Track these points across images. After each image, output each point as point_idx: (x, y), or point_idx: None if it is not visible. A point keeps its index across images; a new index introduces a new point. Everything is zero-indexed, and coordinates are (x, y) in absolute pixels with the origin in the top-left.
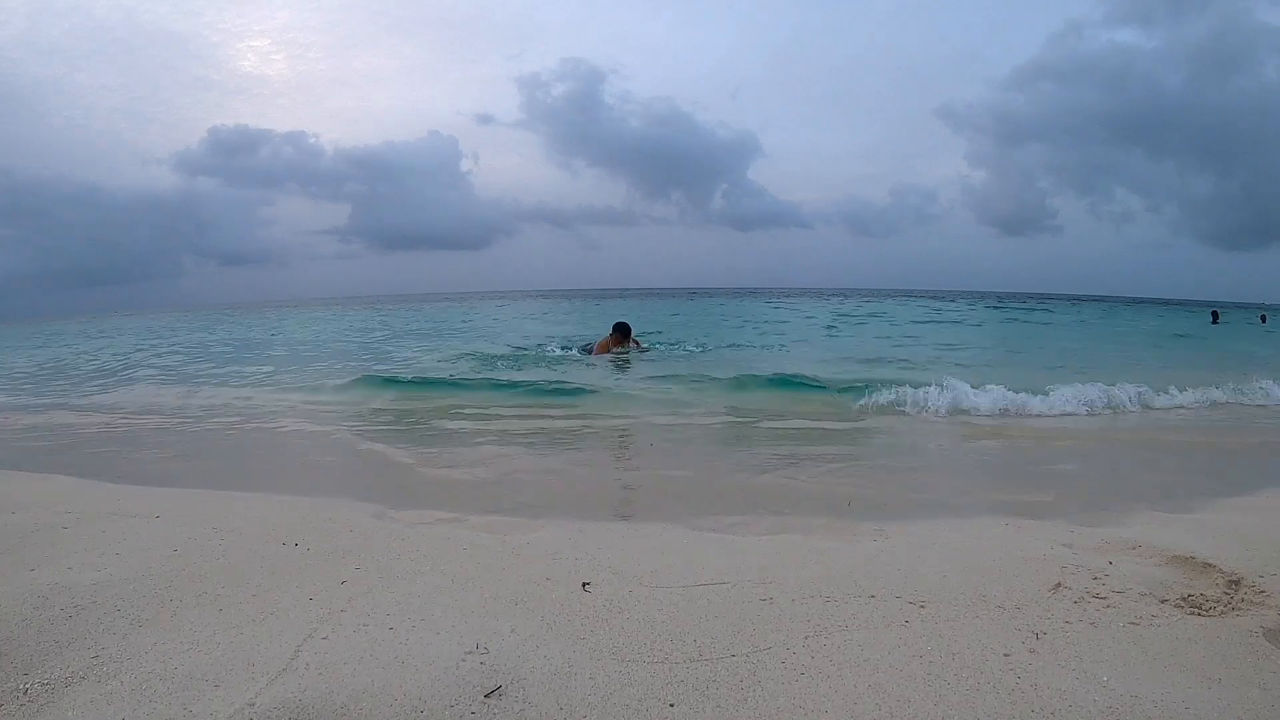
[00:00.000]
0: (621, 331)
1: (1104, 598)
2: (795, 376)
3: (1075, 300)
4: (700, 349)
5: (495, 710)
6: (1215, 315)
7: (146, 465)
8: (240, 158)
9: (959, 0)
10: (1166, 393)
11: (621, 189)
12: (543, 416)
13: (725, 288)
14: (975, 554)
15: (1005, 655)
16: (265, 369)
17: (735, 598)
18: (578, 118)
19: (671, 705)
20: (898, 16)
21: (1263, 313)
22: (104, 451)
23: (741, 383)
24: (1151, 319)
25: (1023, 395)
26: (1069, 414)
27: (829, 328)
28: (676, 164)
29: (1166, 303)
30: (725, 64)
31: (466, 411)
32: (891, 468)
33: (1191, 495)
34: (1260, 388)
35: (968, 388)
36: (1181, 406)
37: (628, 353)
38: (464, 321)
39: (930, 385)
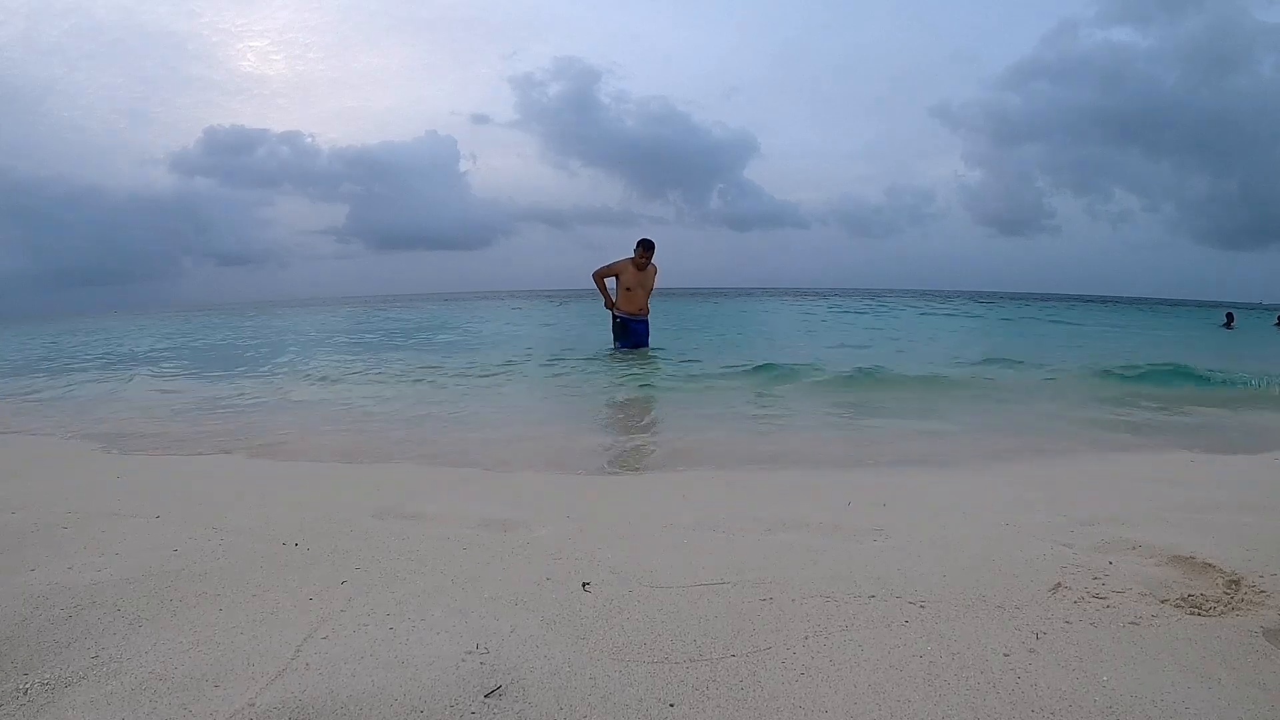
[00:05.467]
0: (645, 246)
1: (1104, 598)
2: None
3: (1077, 301)
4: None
5: (495, 710)
6: (1230, 317)
7: None
8: (236, 158)
9: (954, 0)
10: None
11: (618, 189)
12: None
13: (724, 288)
14: (975, 554)
15: (1005, 655)
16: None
17: (735, 598)
18: (573, 117)
19: (671, 705)
20: (893, 17)
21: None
22: None
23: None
24: (1157, 319)
25: None
26: None
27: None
28: (673, 164)
29: (1163, 302)
30: (721, 64)
31: None
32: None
33: None
34: None
35: None
36: None
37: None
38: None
39: None
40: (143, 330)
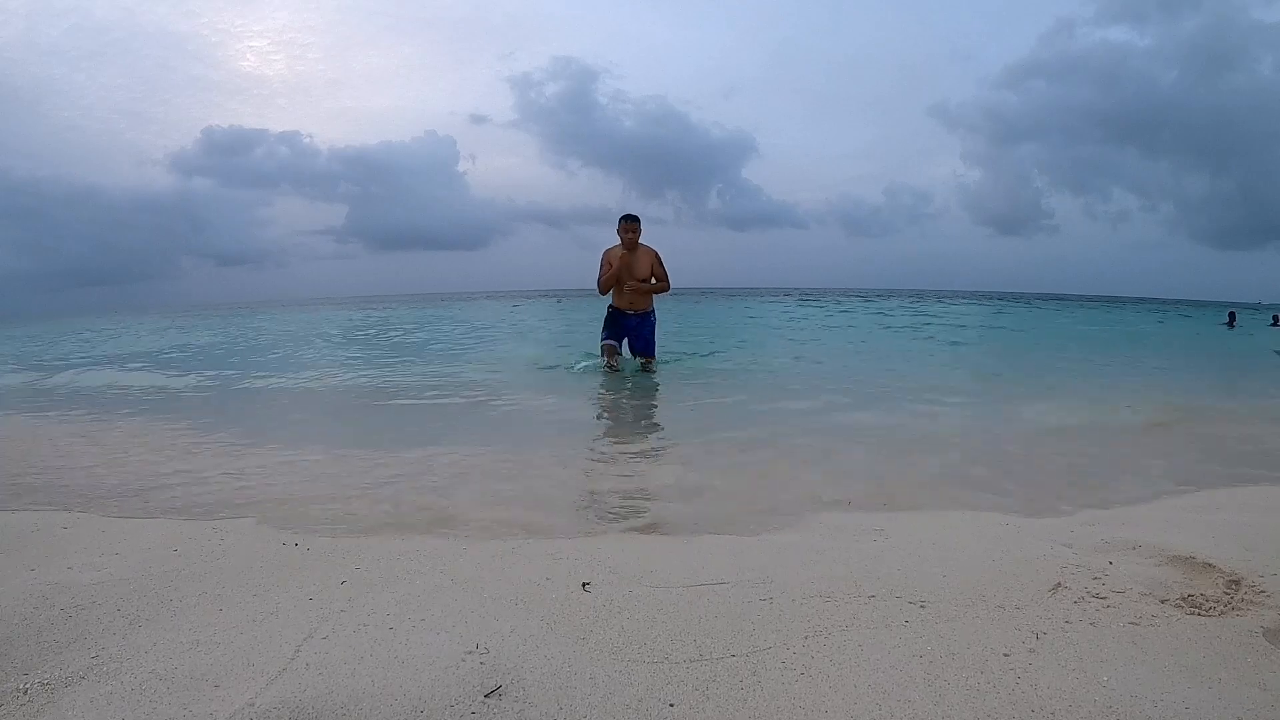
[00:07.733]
0: (626, 219)
1: (1104, 598)
2: None
3: (1076, 301)
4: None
5: (495, 710)
6: (1232, 317)
7: None
8: (235, 158)
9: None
10: None
11: (616, 189)
12: None
13: (722, 288)
14: (975, 554)
15: (1005, 655)
16: None
17: (735, 598)
18: (571, 117)
19: (671, 705)
20: (891, 17)
21: (1276, 313)
22: None
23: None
24: (1167, 320)
25: None
26: None
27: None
28: (671, 164)
29: (1162, 302)
30: (719, 63)
31: None
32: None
33: None
34: None
35: None
36: None
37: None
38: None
39: None
40: (113, 336)
